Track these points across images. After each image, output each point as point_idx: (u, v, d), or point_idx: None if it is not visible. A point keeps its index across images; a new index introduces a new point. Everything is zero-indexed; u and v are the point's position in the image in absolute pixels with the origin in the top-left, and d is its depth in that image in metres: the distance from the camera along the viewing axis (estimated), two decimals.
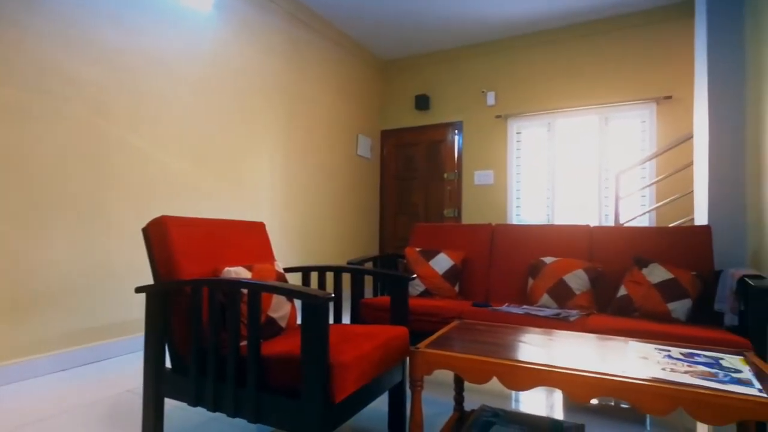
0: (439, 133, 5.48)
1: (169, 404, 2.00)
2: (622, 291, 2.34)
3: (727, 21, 2.83)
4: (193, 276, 1.68)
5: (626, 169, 4.01)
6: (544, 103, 4.84)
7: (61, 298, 2.57)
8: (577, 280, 2.44)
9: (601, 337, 1.66)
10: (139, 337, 2.97)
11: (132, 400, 2.13)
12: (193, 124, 3.35)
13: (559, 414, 2.05)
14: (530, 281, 2.60)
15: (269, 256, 2.10)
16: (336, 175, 4.98)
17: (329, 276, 4.34)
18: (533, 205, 4.93)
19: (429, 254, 2.87)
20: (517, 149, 5.01)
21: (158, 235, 1.69)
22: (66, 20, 2.58)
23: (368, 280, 5.10)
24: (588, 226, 2.74)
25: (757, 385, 1.15)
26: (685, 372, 1.24)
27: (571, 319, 2.13)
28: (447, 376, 2.50)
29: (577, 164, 4.70)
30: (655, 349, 1.50)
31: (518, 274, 2.75)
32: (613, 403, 2.19)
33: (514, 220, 4.97)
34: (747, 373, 1.26)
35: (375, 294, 2.85)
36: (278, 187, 4.16)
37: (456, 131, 5.36)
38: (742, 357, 1.43)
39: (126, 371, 2.56)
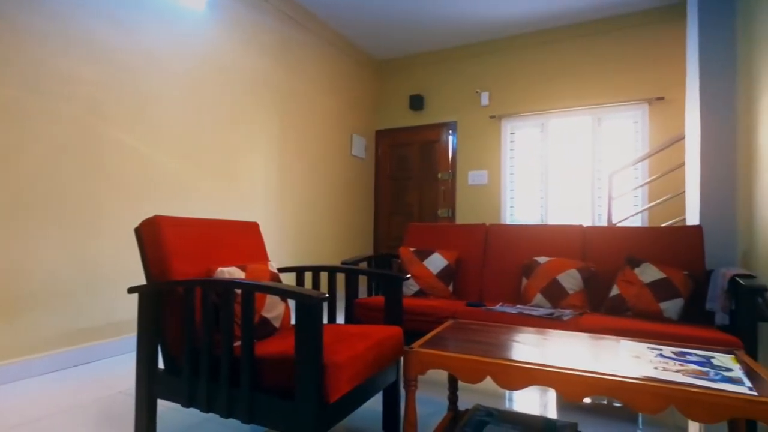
0: (434, 133, 5.48)
1: (162, 405, 1.99)
2: (615, 290, 2.36)
3: (719, 23, 2.85)
4: (186, 276, 1.67)
5: (619, 169, 4.04)
6: (538, 104, 4.86)
7: (53, 299, 2.55)
8: (571, 279, 2.46)
9: (594, 337, 1.67)
10: (131, 337, 2.95)
11: (124, 401, 2.11)
12: (188, 123, 3.33)
13: (552, 413, 2.06)
14: (524, 281, 2.61)
15: (263, 256, 2.10)
16: (330, 175, 4.97)
17: (323, 276, 4.33)
18: (527, 205, 4.95)
19: (423, 254, 2.88)
20: (511, 149, 5.03)
21: (151, 235, 1.68)
22: (61, 19, 2.56)
23: (362, 280, 5.09)
24: (581, 226, 2.76)
25: (748, 383, 1.16)
26: (677, 371, 1.25)
27: (565, 318, 2.15)
28: (441, 375, 2.50)
29: (571, 164, 4.72)
30: (648, 348, 1.51)
31: (512, 274, 2.76)
32: (606, 402, 2.20)
33: (508, 220, 4.99)
34: (738, 371, 1.27)
35: (369, 294, 2.85)
36: (272, 186, 4.15)
37: (450, 131, 5.37)
38: (732, 355, 1.44)
39: (118, 372, 2.54)
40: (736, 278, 1.96)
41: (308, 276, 4.32)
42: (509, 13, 4.50)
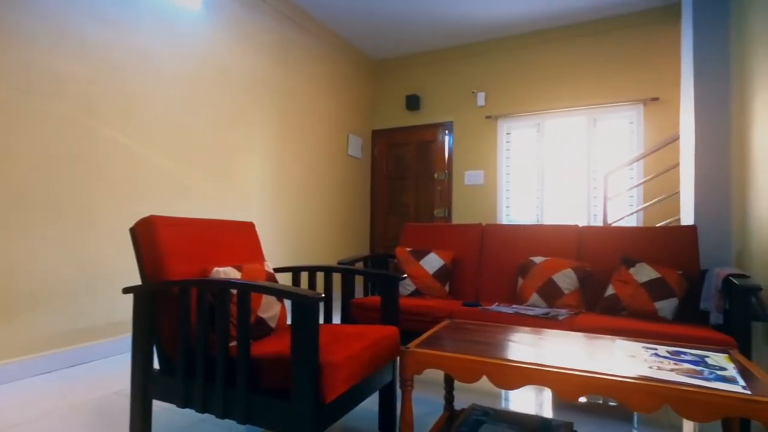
0: (430, 134, 5.49)
1: (157, 406, 1.98)
2: (610, 290, 2.37)
3: (713, 25, 2.87)
4: (181, 276, 1.66)
5: (614, 169, 4.05)
6: (534, 104, 4.88)
7: (46, 299, 2.53)
8: (566, 279, 2.46)
9: (589, 336, 1.68)
10: (126, 338, 2.94)
11: (119, 401, 2.10)
12: (183, 122, 3.32)
13: (548, 412, 2.07)
14: (520, 281, 2.62)
15: (259, 256, 2.09)
16: (326, 175, 4.97)
17: (320, 276, 4.33)
18: (523, 205, 4.96)
19: (419, 254, 2.88)
20: (507, 149, 5.04)
21: (146, 235, 1.67)
22: (53, 19, 2.55)
23: (359, 280, 5.09)
24: (576, 226, 2.77)
25: (741, 382, 1.17)
26: (672, 370, 1.25)
27: (560, 318, 2.15)
28: (437, 375, 2.51)
29: (566, 165, 4.74)
30: (643, 347, 1.52)
31: (508, 274, 2.77)
32: (601, 401, 2.21)
33: (504, 220, 5.00)
34: (731, 370, 1.28)
35: (365, 294, 2.85)
36: (268, 186, 4.14)
37: (446, 131, 5.38)
38: (726, 355, 1.45)
39: (114, 372, 2.53)
40: (730, 278, 1.97)
41: (304, 276, 4.32)
42: (505, 14, 4.51)
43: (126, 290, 1.64)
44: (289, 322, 1.97)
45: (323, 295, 1.33)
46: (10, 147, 2.39)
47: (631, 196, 4.38)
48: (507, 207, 5.02)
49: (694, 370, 1.26)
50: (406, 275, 2.82)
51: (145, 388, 1.60)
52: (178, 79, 3.29)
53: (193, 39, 3.40)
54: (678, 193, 3.81)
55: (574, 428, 1.84)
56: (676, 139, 3.69)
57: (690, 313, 2.30)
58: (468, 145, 5.23)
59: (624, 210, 4.36)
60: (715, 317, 2.09)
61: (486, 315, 2.27)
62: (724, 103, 2.83)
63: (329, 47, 4.98)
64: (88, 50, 2.73)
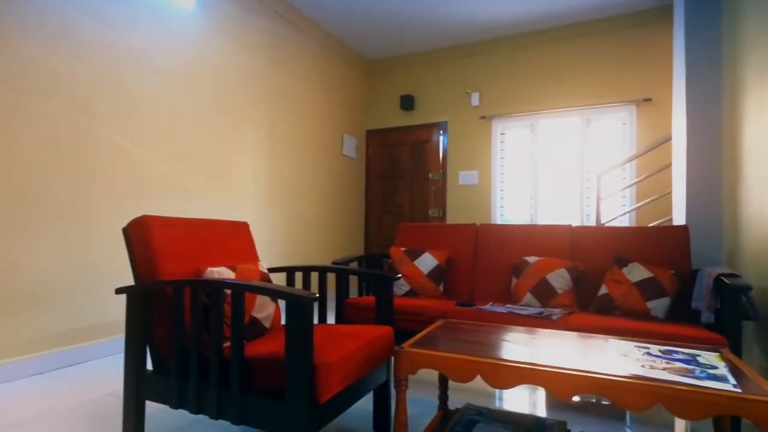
0: (424, 134, 5.50)
1: (151, 407, 1.97)
2: (603, 290, 2.38)
3: (705, 26, 2.90)
4: (175, 276, 1.66)
5: (607, 169, 4.08)
6: (528, 105, 4.90)
7: (40, 300, 2.51)
8: (560, 279, 2.48)
9: (582, 335, 1.69)
10: (119, 338, 2.92)
11: (112, 403, 2.09)
12: (177, 122, 3.30)
13: (541, 411, 2.08)
14: (514, 280, 2.63)
15: (253, 257, 2.09)
16: (321, 175, 4.96)
17: (314, 276, 4.33)
18: (517, 205, 4.98)
19: (414, 254, 2.88)
20: (501, 150, 5.06)
21: (139, 235, 1.66)
22: (47, 16, 2.52)
23: (353, 280, 5.09)
24: (570, 226, 2.78)
25: (732, 380, 1.18)
26: (664, 369, 1.26)
27: (554, 317, 2.16)
28: (431, 375, 2.51)
29: (560, 165, 4.76)
30: (635, 346, 1.53)
31: (502, 274, 2.78)
32: (594, 400, 2.22)
33: (498, 220, 5.02)
34: (722, 369, 1.29)
35: (360, 294, 2.85)
36: (263, 186, 4.13)
37: (441, 131, 5.39)
38: (718, 353, 1.47)
39: (107, 373, 2.51)
40: (721, 277, 1.99)
41: (299, 276, 4.31)
42: (499, 14, 4.52)
43: (119, 290, 1.63)
44: (283, 322, 1.96)
45: (317, 295, 1.33)
46: (8, 147, 2.37)
47: (624, 197, 4.41)
48: (501, 207, 5.04)
49: (686, 368, 1.28)
50: (400, 275, 2.81)
51: (138, 389, 1.59)
52: (172, 78, 3.27)
53: (186, 38, 3.38)
54: (670, 193, 3.84)
55: (568, 427, 1.85)
56: (668, 139, 3.72)
57: (682, 312, 2.32)
58: (462, 145, 5.24)
59: (617, 210, 4.39)
60: (707, 316, 2.11)
61: (480, 315, 2.27)
62: (715, 104, 2.85)
63: (323, 47, 4.97)
64: (85, 50, 2.71)
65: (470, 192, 5.17)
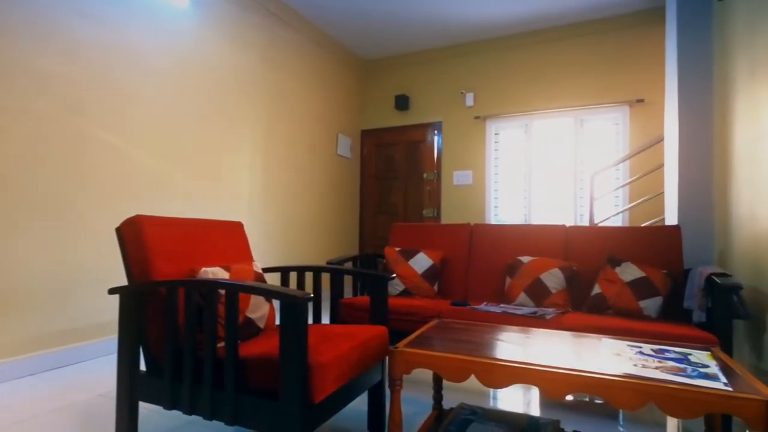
0: (419, 134, 5.50)
1: (144, 408, 1.96)
2: (596, 289, 2.40)
3: (696, 28, 2.92)
4: (168, 277, 1.65)
5: (600, 170, 4.10)
6: (522, 105, 4.92)
7: (31, 300, 2.48)
8: (553, 278, 2.49)
9: (576, 335, 1.70)
10: (112, 339, 2.90)
11: (105, 404, 2.07)
12: (170, 121, 3.28)
13: (535, 410, 2.09)
14: (508, 280, 2.64)
15: (247, 257, 2.08)
16: (315, 175, 4.95)
17: (308, 276, 4.31)
18: (511, 205, 5.00)
19: (408, 254, 2.89)
20: (495, 150, 5.08)
21: (132, 235, 1.65)
22: (35, 14, 2.50)
23: (348, 280, 5.09)
24: (564, 225, 2.80)
25: (723, 379, 1.19)
26: (656, 367, 1.28)
27: (548, 317, 2.17)
28: (426, 375, 2.51)
29: (554, 165, 4.79)
30: (628, 345, 1.54)
31: (496, 274, 2.79)
32: (587, 399, 2.24)
33: (492, 220, 5.03)
34: (713, 367, 1.30)
35: (355, 294, 2.85)
36: (257, 186, 4.11)
37: (435, 131, 5.40)
38: (709, 352, 1.48)
39: (99, 374, 2.49)
40: (713, 277, 2.01)
41: (293, 276, 4.29)
42: (493, 15, 4.53)
43: (112, 291, 1.62)
44: (277, 322, 1.96)
45: (312, 295, 1.33)
46: None
47: (617, 197, 4.44)
48: (495, 207, 5.06)
49: (678, 367, 1.29)
50: (395, 275, 2.82)
51: (131, 390, 1.58)
52: (165, 77, 3.25)
53: (180, 37, 3.36)
54: (662, 193, 3.87)
55: (561, 426, 1.86)
56: (660, 140, 3.75)
57: (674, 311, 2.34)
58: (457, 145, 5.25)
59: (610, 210, 4.42)
60: (698, 315, 2.13)
61: (474, 314, 2.28)
62: (707, 105, 2.88)
63: (318, 46, 4.96)
64: (76, 48, 2.68)
65: (465, 192, 5.19)
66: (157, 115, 3.19)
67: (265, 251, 4.21)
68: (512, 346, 1.50)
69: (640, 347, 1.52)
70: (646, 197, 3.97)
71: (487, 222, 5.03)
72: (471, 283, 2.85)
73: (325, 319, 3.61)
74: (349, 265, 4.50)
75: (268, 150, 4.24)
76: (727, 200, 2.59)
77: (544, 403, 2.18)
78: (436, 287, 2.81)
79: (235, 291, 1.39)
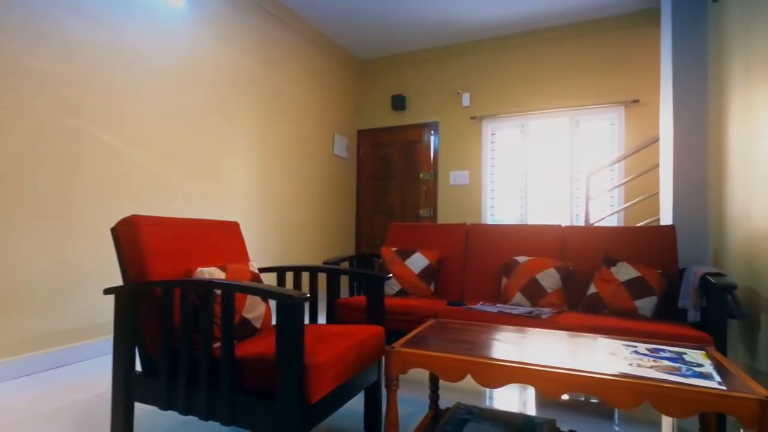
0: (415, 134, 5.51)
1: (140, 408, 1.95)
2: (592, 289, 2.41)
3: (691, 29, 2.94)
4: (164, 277, 1.64)
5: (596, 170, 4.12)
6: (518, 105, 4.93)
7: (28, 300, 2.47)
8: (549, 278, 2.50)
9: (571, 334, 1.71)
10: (108, 339, 2.89)
11: (101, 404, 2.06)
12: (166, 121, 3.27)
13: (531, 410, 2.10)
14: (504, 280, 2.65)
15: (244, 256, 2.08)
16: (312, 175, 4.95)
17: (305, 276, 4.31)
18: (507, 205, 5.01)
19: (405, 254, 2.89)
20: (492, 150, 5.09)
21: (128, 235, 1.65)
22: (33, 14, 2.48)
23: (344, 280, 5.08)
24: (559, 225, 2.81)
25: (717, 378, 1.20)
26: (651, 367, 1.28)
27: (543, 317, 2.18)
28: (422, 374, 2.52)
29: (550, 165, 4.80)
30: (623, 345, 1.55)
31: (492, 273, 2.79)
32: (583, 398, 2.25)
33: (489, 219, 5.04)
34: (708, 366, 1.31)
35: (351, 294, 2.85)
36: (253, 186, 4.10)
37: (432, 132, 5.40)
38: (703, 351, 1.49)
39: (95, 375, 2.48)
40: (707, 276, 2.02)
41: (289, 276, 4.29)
42: (490, 15, 4.54)
43: (107, 291, 1.61)
44: (274, 322, 1.96)
45: (308, 295, 1.33)
46: None
47: (612, 197, 4.46)
48: (491, 207, 5.07)
49: (673, 366, 1.29)
50: (391, 275, 2.82)
51: (127, 391, 1.57)
52: (162, 76, 3.24)
53: (176, 36, 3.35)
54: (657, 193, 3.89)
55: (557, 425, 1.86)
56: (655, 140, 3.77)
57: (669, 310, 2.35)
58: (453, 145, 5.26)
59: (605, 210, 4.43)
60: (693, 315, 2.14)
61: (470, 314, 2.28)
62: (702, 106, 2.90)
63: (315, 46, 4.96)
64: (73, 48, 2.67)
65: (461, 192, 5.19)
66: (154, 114, 3.18)
67: (262, 251, 4.20)
68: (508, 345, 1.50)
69: (636, 347, 1.52)
70: (641, 197, 3.99)
71: (483, 222, 5.04)
72: (467, 283, 2.86)
73: (322, 319, 3.60)
74: (345, 265, 4.49)
75: (264, 150, 4.23)
76: (721, 200, 2.60)
77: (540, 402, 2.19)
78: (432, 287, 2.81)
79: (231, 291, 1.39)
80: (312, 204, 4.94)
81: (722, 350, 1.87)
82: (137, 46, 3.07)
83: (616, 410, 2.10)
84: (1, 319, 2.37)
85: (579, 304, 2.51)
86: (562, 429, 1.69)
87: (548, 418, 1.73)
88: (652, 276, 2.30)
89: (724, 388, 1.12)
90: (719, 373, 1.25)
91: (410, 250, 2.92)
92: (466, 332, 1.69)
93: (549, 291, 2.47)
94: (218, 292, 1.56)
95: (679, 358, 1.39)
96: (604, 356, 1.39)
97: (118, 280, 2.91)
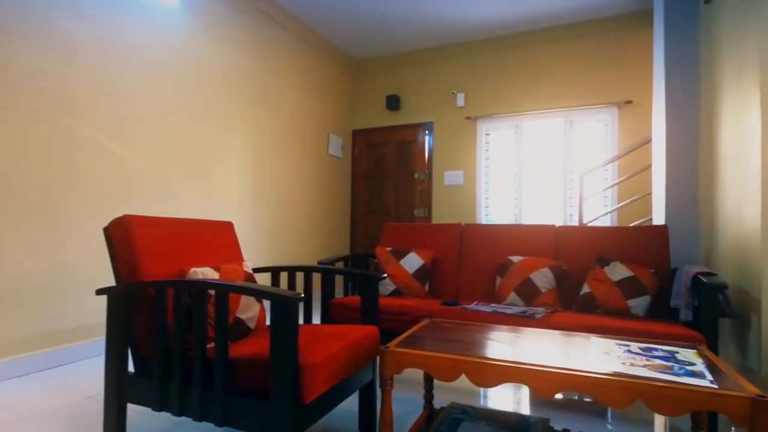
0: (410, 134, 5.51)
1: (132, 410, 1.94)
2: (586, 288, 2.42)
3: (684, 30, 2.96)
4: (157, 277, 1.63)
5: (590, 170, 4.14)
6: (512, 106, 4.95)
7: (17, 301, 2.44)
8: (543, 278, 2.51)
9: (565, 334, 1.72)
10: (100, 340, 2.86)
11: (93, 406, 2.05)
12: (160, 120, 3.25)
13: (525, 409, 2.10)
14: (498, 280, 2.65)
15: (238, 257, 2.07)
16: (307, 175, 4.93)
17: (299, 276, 4.30)
18: (501, 205, 5.03)
19: (399, 254, 2.89)
20: (486, 150, 5.10)
21: (120, 235, 1.63)
22: (23, 11, 2.46)
23: (339, 280, 5.08)
24: (553, 225, 2.82)
25: (709, 377, 1.21)
26: (644, 366, 1.29)
27: (537, 316, 2.19)
28: (417, 374, 2.52)
29: (544, 165, 4.82)
30: (616, 344, 1.56)
31: (487, 273, 2.80)
32: (576, 397, 2.26)
33: (483, 219, 5.05)
34: (700, 365, 1.32)
35: (346, 294, 2.85)
36: (248, 186, 4.09)
37: (426, 132, 5.41)
38: (695, 350, 1.50)
39: (87, 376, 2.46)
40: (699, 276, 2.04)
41: (284, 276, 4.27)
42: (484, 16, 4.55)
43: (99, 291, 1.60)
44: (268, 322, 1.95)
45: (303, 295, 1.33)
46: None
47: (606, 197, 4.49)
48: (486, 207, 5.08)
49: (665, 365, 1.30)
50: (386, 275, 2.82)
51: (119, 392, 1.56)
52: (155, 76, 3.22)
53: (170, 35, 3.33)
54: (650, 193, 3.92)
55: (551, 424, 1.87)
56: (648, 141, 3.79)
57: (661, 310, 2.37)
58: (448, 145, 5.27)
59: (599, 210, 4.46)
60: (685, 314, 2.16)
61: (465, 314, 2.29)
62: (694, 107, 2.92)
63: (309, 46, 4.95)
64: (66, 47, 2.65)
65: (455, 192, 5.20)
66: (146, 113, 3.16)
67: (256, 251, 4.19)
68: (502, 345, 1.51)
69: (628, 346, 1.53)
70: (634, 197, 4.01)
71: (477, 222, 5.05)
72: (462, 283, 2.86)
73: (316, 320, 3.60)
74: (340, 265, 4.49)
75: (258, 149, 4.22)
76: (713, 201, 2.62)
77: (534, 401, 2.20)
78: (427, 287, 2.82)
79: (225, 291, 1.38)
80: (307, 204, 4.93)
81: (714, 349, 1.88)
82: (131, 45, 3.05)
83: (610, 409, 2.12)
84: None
85: (573, 304, 2.52)
86: (555, 428, 1.69)
87: (542, 417, 1.74)
88: (645, 275, 2.31)
89: (716, 386, 1.13)
90: (711, 371, 1.26)
91: (405, 250, 2.92)
92: (460, 332, 1.69)
93: (543, 291, 2.48)
94: (212, 292, 1.55)
95: (671, 357, 1.40)
96: (597, 355, 1.40)
97: (110, 281, 2.88)
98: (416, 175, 5.43)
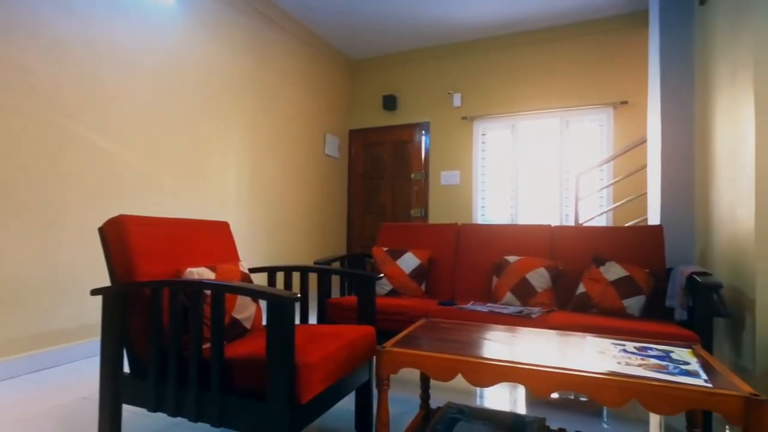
0: (407, 134, 5.51)
1: (127, 410, 1.93)
2: (581, 288, 2.43)
3: (679, 31, 2.98)
4: (153, 277, 1.63)
5: (585, 170, 4.16)
6: (508, 106, 4.96)
7: (11, 301, 2.43)
8: (539, 278, 2.51)
9: (561, 333, 1.72)
10: (95, 341, 2.85)
11: (88, 407, 2.04)
12: (156, 120, 3.24)
13: (521, 409, 2.11)
14: (494, 280, 2.66)
15: (234, 257, 2.06)
16: (303, 175, 4.93)
17: (296, 276, 4.30)
18: (497, 205, 5.04)
19: (396, 254, 2.89)
20: (482, 150, 5.11)
21: (115, 235, 1.63)
22: (19, 11, 2.44)
23: (335, 280, 5.07)
24: (549, 225, 2.83)
25: (704, 376, 1.22)
26: (639, 365, 1.30)
27: (533, 316, 2.20)
28: (413, 374, 2.52)
29: (539, 166, 4.84)
30: (612, 343, 1.56)
31: (483, 273, 2.81)
32: (572, 397, 2.27)
33: (479, 219, 5.06)
34: (694, 364, 1.33)
35: (342, 294, 2.85)
36: (244, 186, 4.08)
37: (423, 132, 5.41)
38: (690, 350, 1.51)
39: (82, 377, 2.45)
40: (694, 276, 2.05)
41: (280, 276, 4.27)
42: (481, 16, 4.56)
43: (94, 292, 1.59)
44: (264, 322, 1.95)
45: (299, 295, 1.32)
46: None
47: (601, 197, 4.50)
48: (482, 207, 5.09)
49: (660, 365, 1.31)
50: (382, 275, 2.82)
51: (114, 393, 1.55)
52: (151, 75, 3.21)
53: (166, 35, 3.32)
54: (645, 194, 3.93)
55: (547, 423, 1.88)
56: (643, 141, 3.81)
57: (656, 309, 2.38)
58: (444, 145, 5.27)
59: (594, 210, 4.47)
60: (680, 314, 2.17)
61: (461, 314, 2.29)
62: (688, 107, 2.94)
63: (306, 46, 4.94)
64: (60, 46, 2.63)
65: (452, 192, 5.21)
66: (142, 113, 3.15)
67: (252, 251, 4.18)
68: (499, 345, 1.51)
69: (624, 345, 1.54)
70: (629, 197, 4.03)
71: (474, 222, 5.06)
72: (458, 283, 2.87)
73: (313, 320, 3.59)
74: (336, 265, 4.49)
75: (255, 149, 4.21)
76: (708, 201, 2.64)
77: (530, 401, 2.20)
78: (423, 287, 2.82)
79: (221, 291, 1.38)
80: (303, 204, 4.93)
81: (708, 348, 1.89)
82: (126, 44, 3.04)
83: (605, 408, 2.12)
84: None
85: (568, 304, 2.53)
86: (551, 427, 1.70)
87: (538, 416, 1.74)
88: (640, 275, 2.32)
89: (710, 385, 1.13)
90: (705, 371, 1.27)
91: (401, 250, 2.92)
92: (456, 332, 1.69)
93: (539, 290, 2.48)
94: (208, 292, 1.55)
95: (666, 357, 1.40)
96: (592, 355, 1.40)
97: (105, 281, 2.87)
98: (413, 175, 5.44)
